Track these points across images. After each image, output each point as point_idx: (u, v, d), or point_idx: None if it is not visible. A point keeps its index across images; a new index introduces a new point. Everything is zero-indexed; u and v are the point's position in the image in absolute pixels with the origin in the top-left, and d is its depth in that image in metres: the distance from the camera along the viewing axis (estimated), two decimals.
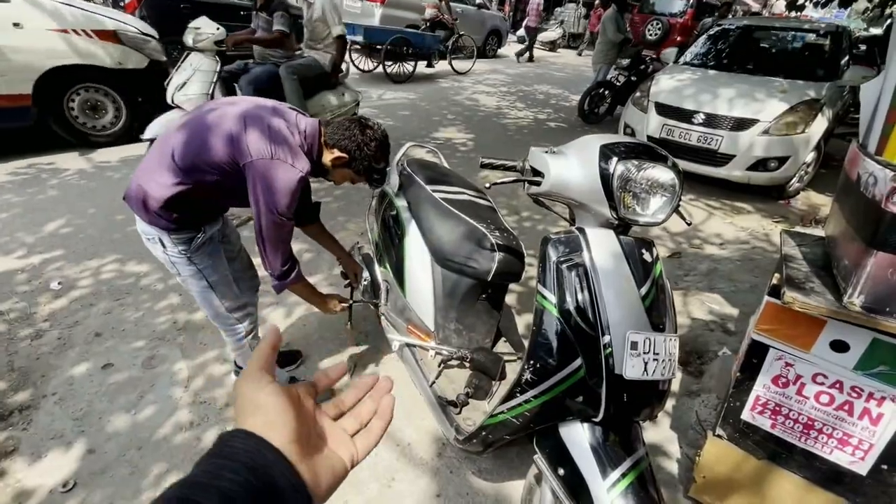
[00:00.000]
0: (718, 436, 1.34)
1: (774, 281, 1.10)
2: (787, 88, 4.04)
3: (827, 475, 1.18)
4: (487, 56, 12.08)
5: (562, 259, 1.06)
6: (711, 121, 4.01)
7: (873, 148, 0.99)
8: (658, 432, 1.82)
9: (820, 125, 3.87)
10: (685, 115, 4.13)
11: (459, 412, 1.43)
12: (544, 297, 1.05)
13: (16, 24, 3.24)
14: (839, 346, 1.05)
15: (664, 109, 4.28)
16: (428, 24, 8.93)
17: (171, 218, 1.31)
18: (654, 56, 5.81)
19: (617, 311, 1.00)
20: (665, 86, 4.47)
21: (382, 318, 1.80)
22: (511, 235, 1.56)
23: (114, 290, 2.41)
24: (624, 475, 0.97)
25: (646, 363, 0.99)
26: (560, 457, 1.05)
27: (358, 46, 7.69)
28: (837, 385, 1.09)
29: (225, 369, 1.98)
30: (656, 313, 1.03)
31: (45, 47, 3.39)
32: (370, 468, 1.62)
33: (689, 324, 2.45)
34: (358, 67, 8.01)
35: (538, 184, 1.12)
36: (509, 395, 1.10)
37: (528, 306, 2.48)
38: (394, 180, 1.86)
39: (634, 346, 0.98)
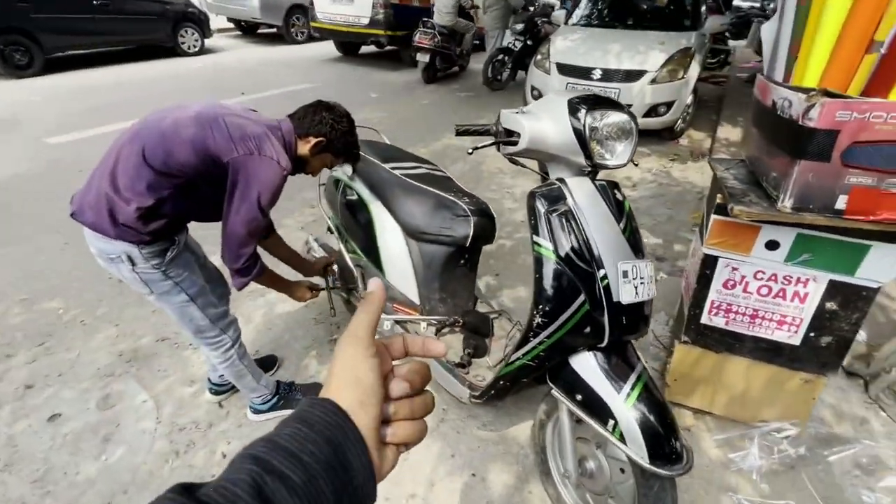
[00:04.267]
0: (684, 342, 1.57)
1: (718, 200, 1.30)
2: (665, 40, 4.52)
3: (770, 352, 1.45)
4: None
5: (550, 209, 1.15)
6: (607, 75, 4.38)
7: (780, 77, 1.20)
8: None
9: (694, 70, 4.41)
10: (584, 72, 4.46)
11: (468, 372, 1.51)
12: (540, 246, 1.15)
13: None
14: (772, 246, 1.29)
15: (564, 68, 4.57)
16: None
17: (144, 230, 1.20)
18: (546, 19, 6.09)
19: (605, 247, 1.12)
20: (561, 46, 4.75)
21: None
22: (479, 200, 1.63)
23: (31, 336, 2.09)
24: (633, 387, 1.12)
25: (636, 287, 1.13)
26: (574, 385, 1.17)
27: None
28: (773, 277, 1.33)
29: (194, 389, 1.85)
30: (634, 243, 1.18)
31: None
32: None
33: None
34: None
35: (514, 143, 1.20)
36: (523, 342, 1.19)
37: (485, 267, 2.60)
38: (346, 166, 1.83)
39: (625, 274, 1.12)
